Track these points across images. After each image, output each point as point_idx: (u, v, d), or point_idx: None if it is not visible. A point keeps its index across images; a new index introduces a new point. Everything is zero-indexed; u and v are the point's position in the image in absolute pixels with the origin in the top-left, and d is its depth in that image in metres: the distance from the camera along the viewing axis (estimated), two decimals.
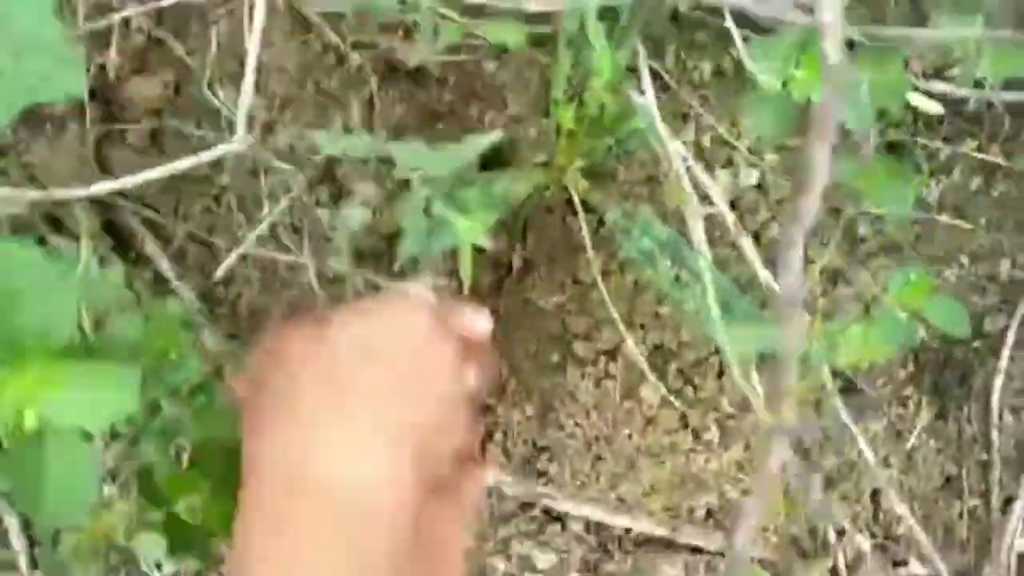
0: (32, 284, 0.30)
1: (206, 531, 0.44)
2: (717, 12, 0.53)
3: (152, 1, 0.51)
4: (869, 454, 0.51)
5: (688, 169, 0.47)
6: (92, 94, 0.53)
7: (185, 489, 0.45)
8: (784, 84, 0.38)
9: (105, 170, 0.53)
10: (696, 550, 0.55)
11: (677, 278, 0.48)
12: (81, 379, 0.32)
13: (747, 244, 0.48)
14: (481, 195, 0.47)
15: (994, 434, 0.54)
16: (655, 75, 0.54)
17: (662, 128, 0.46)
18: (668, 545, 0.55)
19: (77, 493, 0.31)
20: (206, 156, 0.46)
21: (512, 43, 0.40)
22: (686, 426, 0.54)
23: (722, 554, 0.54)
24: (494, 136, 0.38)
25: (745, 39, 0.53)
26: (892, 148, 0.55)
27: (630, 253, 0.49)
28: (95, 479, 0.32)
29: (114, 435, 0.55)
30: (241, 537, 0.34)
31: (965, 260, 0.55)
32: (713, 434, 0.54)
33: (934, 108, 0.50)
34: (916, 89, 0.50)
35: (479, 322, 0.39)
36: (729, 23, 0.38)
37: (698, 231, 0.45)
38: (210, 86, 0.53)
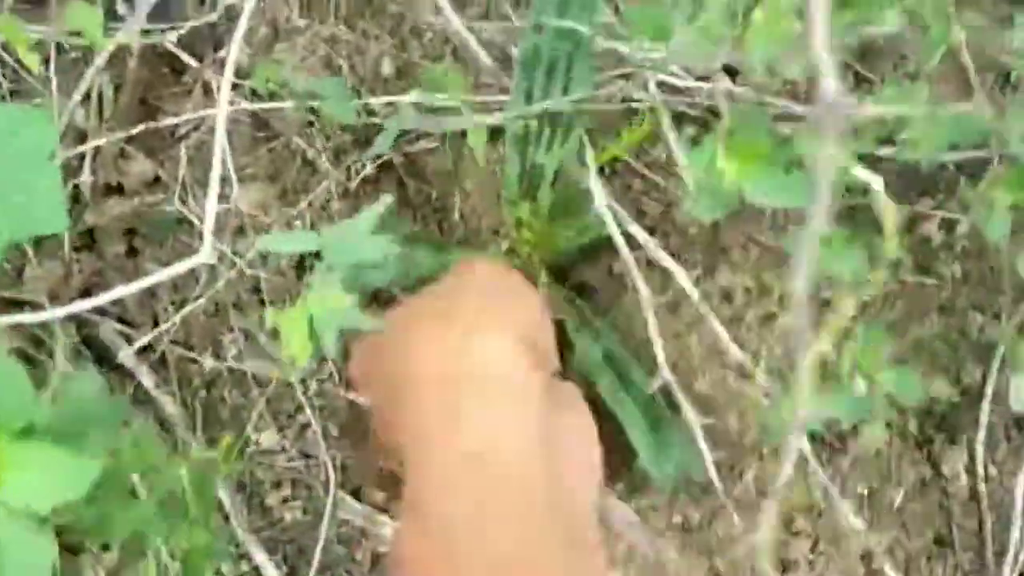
0: None
1: None
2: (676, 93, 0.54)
3: (126, 129, 0.53)
4: (855, 521, 0.51)
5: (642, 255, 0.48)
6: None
7: None
8: (712, 175, 0.39)
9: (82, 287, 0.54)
10: None
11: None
12: (37, 461, 0.33)
13: (717, 326, 0.48)
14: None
15: (981, 487, 0.54)
16: (612, 158, 0.55)
17: (610, 216, 0.47)
18: None
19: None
20: (176, 268, 0.48)
21: (475, 144, 0.41)
22: None
23: None
24: (386, 201, 0.38)
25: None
26: (850, 212, 0.55)
27: (580, 360, 0.50)
28: (48, 562, 0.32)
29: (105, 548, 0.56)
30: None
31: (935, 316, 0.55)
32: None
33: (877, 183, 0.51)
34: (864, 156, 0.52)
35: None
36: (662, 115, 0.40)
37: (651, 321, 0.46)
38: (182, 199, 0.55)
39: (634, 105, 0.50)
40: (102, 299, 0.47)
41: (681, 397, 0.47)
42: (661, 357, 0.48)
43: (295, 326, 0.35)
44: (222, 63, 0.50)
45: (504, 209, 0.52)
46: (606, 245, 0.55)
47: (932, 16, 0.48)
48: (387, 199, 0.37)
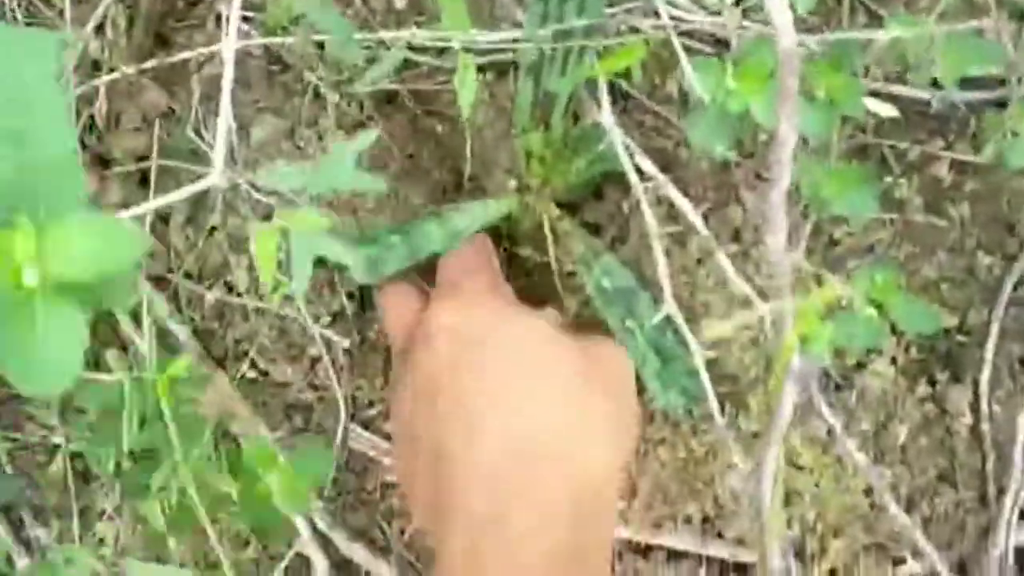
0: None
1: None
2: (682, 31, 0.54)
3: (140, 60, 0.54)
4: (859, 456, 0.51)
5: (651, 188, 0.48)
6: (82, 145, 0.55)
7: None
8: (720, 96, 0.39)
9: None
10: (697, 557, 0.55)
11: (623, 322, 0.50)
12: (88, 232, 0.33)
13: (724, 261, 0.48)
14: (440, 228, 0.49)
15: (984, 426, 0.55)
16: (624, 94, 0.55)
17: (621, 146, 0.47)
18: (669, 554, 0.55)
19: (66, 358, 0.31)
20: (187, 190, 0.48)
21: (461, 83, 0.41)
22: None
23: (721, 560, 0.55)
24: (370, 137, 0.38)
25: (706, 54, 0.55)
26: (862, 151, 0.56)
27: (589, 291, 0.51)
28: (81, 349, 0.33)
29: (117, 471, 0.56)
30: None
31: (943, 256, 0.55)
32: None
33: (888, 112, 0.51)
34: (876, 94, 0.52)
35: None
36: (673, 38, 0.40)
37: (658, 253, 0.46)
38: (195, 130, 0.55)
39: (645, 36, 0.50)
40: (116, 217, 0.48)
41: (686, 330, 0.48)
42: (667, 291, 0.48)
43: (265, 245, 0.35)
44: None
45: (515, 142, 0.52)
46: (616, 181, 0.55)
47: None
48: (371, 134, 0.37)
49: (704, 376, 0.48)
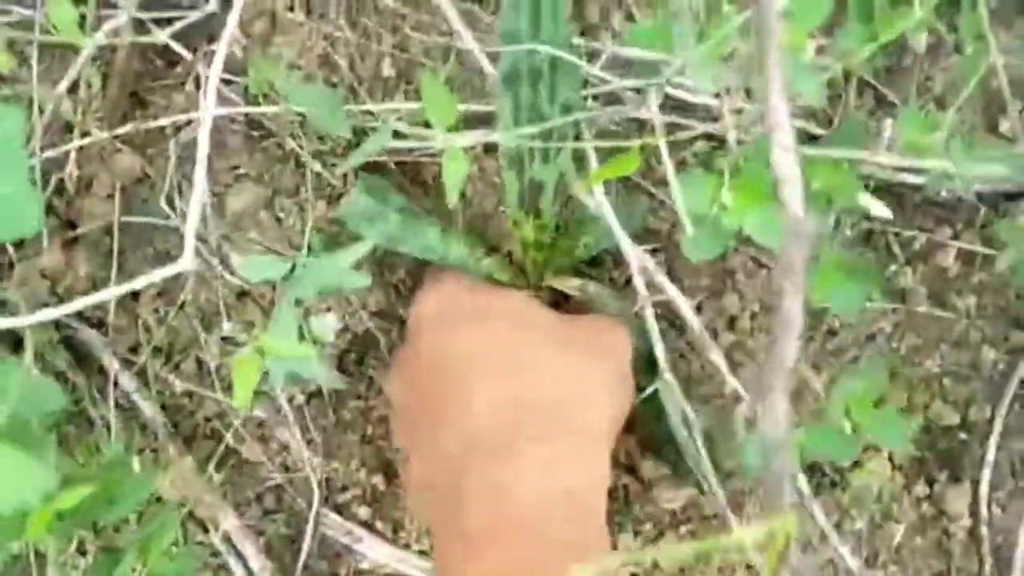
0: None
1: None
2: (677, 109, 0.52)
3: (115, 127, 0.51)
4: (851, 560, 0.49)
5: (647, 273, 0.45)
6: (49, 209, 0.53)
7: None
8: (715, 211, 0.36)
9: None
10: None
11: None
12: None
13: (717, 357, 0.46)
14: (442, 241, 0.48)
15: (983, 529, 0.52)
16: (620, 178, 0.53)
17: (618, 230, 0.45)
18: None
19: None
20: (156, 275, 0.46)
21: (451, 179, 0.39)
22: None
23: None
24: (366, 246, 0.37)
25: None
26: (867, 239, 0.53)
27: None
28: None
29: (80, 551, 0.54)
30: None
31: (946, 349, 0.53)
32: None
33: (882, 211, 0.48)
34: (884, 183, 0.49)
35: None
36: (663, 150, 0.37)
37: (657, 342, 0.44)
38: (170, 198, 0.53)
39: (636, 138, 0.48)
40: (80, 304, 0.46)
41: (684, 403, 0.45)
42: (664, 365, 0.46)
43: (244, 372, 0.33)
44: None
45: (508, 225, 0.50)
46: (611, 253, 0.53)
47: (968, 37, 0.45)
48: (367, 244, 0.36)
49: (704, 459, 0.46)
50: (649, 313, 0.46)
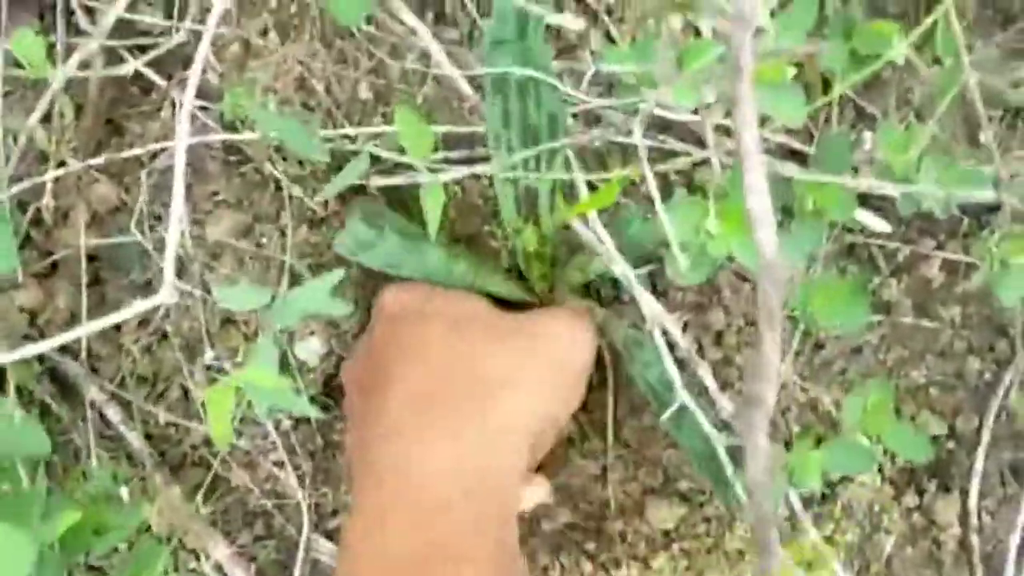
0: None
1: None
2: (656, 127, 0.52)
3: (91, 156, 0.50)
4: (843, 573, 0.49)
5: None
6: (27, 240, 0.52)
7: None
8: (701, 239, 0.36)
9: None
10: None
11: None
12: None
13: (706, 374, 0.46)
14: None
15: (973, 538, 0.53)
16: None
17: (611, 254, 0.45)
18: None
19: None
20: (135, 308, 0.45)
21: (433, 211, 0.38)
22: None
23: None
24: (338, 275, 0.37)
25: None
26: (850, 251, 0.53)
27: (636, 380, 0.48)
28: None
29: None
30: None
31: (932, 360, 0.53)
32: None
33: (881, 226, 0.48)
34: (864, 196, 0.49)
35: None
36: (649, 177, 0.37)
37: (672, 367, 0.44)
38: (150, 226, 0.52)
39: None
40: (61, 340, 0.45)
41: (702, 418, 0.44)
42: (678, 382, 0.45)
43: (219, 405, 0.33)
44: None
45: (508, 234, 0.50)
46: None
47: (944, 51, 0.45)
48: (338, 274, 0.35)
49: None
50: (659, 338, 0.45)
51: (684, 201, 0.37)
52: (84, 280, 0.51)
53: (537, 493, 0.48)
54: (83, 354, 0.52)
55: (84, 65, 0.47)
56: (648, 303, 0.46)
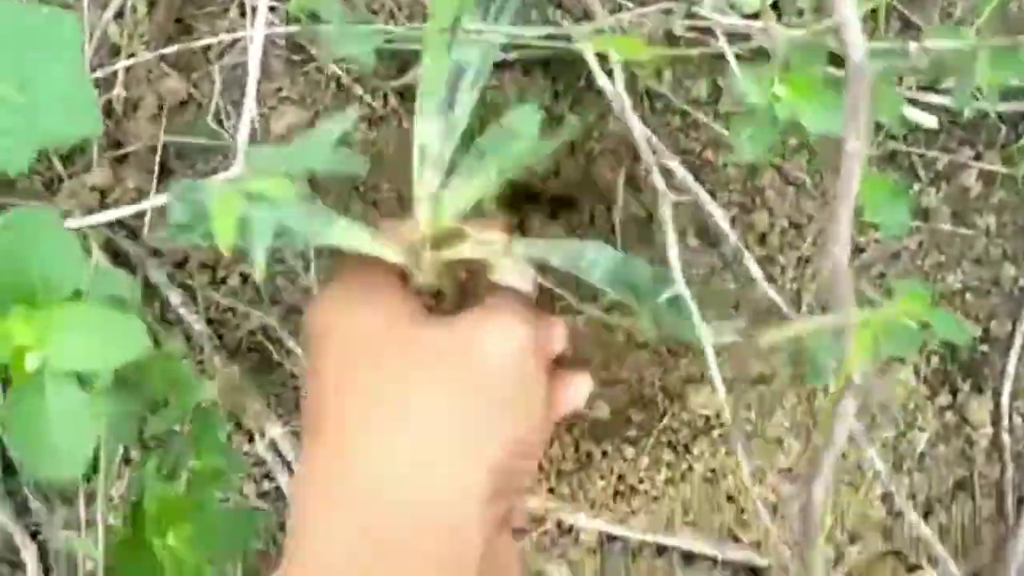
0: (45, 243, 0.31)
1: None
2: (711, 32, 0.53)
3: (160, 45, 0.52)
4: (880, 464, 0.51)
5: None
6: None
7: (178, 518, 0.44)
8: (769, 103, 0.38)
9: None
10: (715, 561, 0.55)
11: None
12: (86, 323, 0.32)
13: (752, 266, 0.48)
14: None
15: (1005, 437, 0.54)
16: (650, 94, 0.55)
17: (631, 115, 0.45)
18: (687, 557, 0.55)
19: (76, 445, 0.31)
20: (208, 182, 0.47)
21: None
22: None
23: (745, 566, 0.55)
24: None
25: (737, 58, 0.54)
26: (891, 158, 0.55)
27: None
28: (94, 432, 0.32)
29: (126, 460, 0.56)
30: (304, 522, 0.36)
31: (968, 266, 0.55)
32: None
33: (929, 121, 0.50)
34: (912, 102, 0.51)
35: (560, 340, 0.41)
36: (723, 43, 0.39)
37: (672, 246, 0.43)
38: (216, 118, 0.54)
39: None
40: (132, 209, 0.47)
41: (699, 320, 0.45)
42: (678, 271, 0.46)
43: (226, 208, 0.32)
44: None
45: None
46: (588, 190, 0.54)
47: None
48: (351, 116, 0.37)
49: (715, 370, 0.46)
50: (667, 214, 0.45)
51: (754, 65, 0.39)
52: (156, 166, 0.53)
53: (581, 388, 0.49)
54: (146, 236, 0.54)
55: None
56: (689, 184, 0.47)
